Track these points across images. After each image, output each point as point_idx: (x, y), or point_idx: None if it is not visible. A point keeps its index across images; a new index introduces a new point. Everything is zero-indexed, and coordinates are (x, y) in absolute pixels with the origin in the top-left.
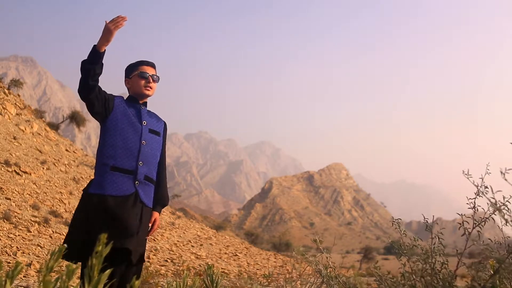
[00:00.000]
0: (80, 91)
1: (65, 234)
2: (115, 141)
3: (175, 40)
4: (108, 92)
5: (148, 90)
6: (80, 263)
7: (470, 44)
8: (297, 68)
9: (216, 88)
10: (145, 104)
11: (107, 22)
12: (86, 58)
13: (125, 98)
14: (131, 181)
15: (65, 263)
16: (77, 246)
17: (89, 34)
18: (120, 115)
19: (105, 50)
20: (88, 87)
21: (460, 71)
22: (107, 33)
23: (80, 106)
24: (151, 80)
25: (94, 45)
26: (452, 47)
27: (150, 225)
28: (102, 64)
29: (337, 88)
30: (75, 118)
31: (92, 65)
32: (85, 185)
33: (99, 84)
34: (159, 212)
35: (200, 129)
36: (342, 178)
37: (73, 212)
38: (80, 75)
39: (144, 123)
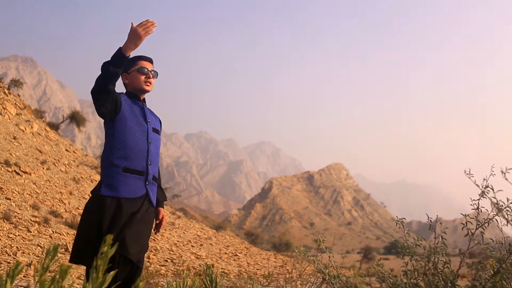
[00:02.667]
0: (97, 92)
1: (65, 234)
2: (125, 141)
3: (175, 40)
4: None
5: (148, 85)
6: (79, 264)
7: (470, 44)
8: (297, 68)
9: (216, 88)
10: (144, 100)
11: (136, 26)
12: (110, 60)
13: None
14: (142, 182)
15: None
16: (89, 250)
17: (89, 34)
18: (128, 114)
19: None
20: (107, 90)
21: (460, 71)
22: (135, 38)
23: (80, 106)
24: (151, 76)
25: (120, 48)
26: (452, 47)
27: (157, 222)
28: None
29: (337, 88)
30: (75, 118)
31: (116, 69)
32: (85, 185)
33: None
34: (163, 208)
35: (200, 129)
36: (342, 178)
37: (82, 214)
38: (100, 75)
39: (149, 121)
